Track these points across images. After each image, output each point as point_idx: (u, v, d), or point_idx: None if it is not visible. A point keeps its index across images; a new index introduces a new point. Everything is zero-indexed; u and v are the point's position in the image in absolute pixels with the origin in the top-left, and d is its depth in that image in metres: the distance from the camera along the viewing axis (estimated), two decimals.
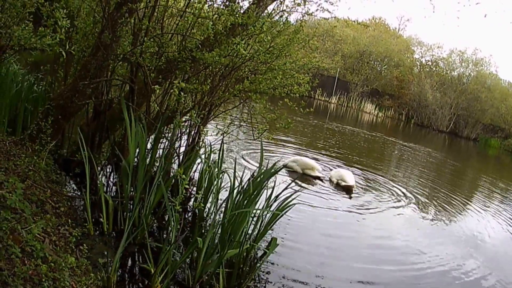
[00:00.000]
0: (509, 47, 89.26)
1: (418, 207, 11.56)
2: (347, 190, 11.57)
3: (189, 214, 7.32)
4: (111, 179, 7.51)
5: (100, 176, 6.96)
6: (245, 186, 5.88)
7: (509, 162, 36.29)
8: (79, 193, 6.52)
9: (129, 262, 5.32)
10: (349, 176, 11.94)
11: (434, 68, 51.00)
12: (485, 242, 10.01)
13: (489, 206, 14.12)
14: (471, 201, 14.34)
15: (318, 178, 12.05)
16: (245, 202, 5.72)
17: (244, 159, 11.27)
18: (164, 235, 6.12)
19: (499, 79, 51.38)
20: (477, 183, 20.10)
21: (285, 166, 7.00)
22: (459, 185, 18.04)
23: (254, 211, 5.95)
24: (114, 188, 7.16)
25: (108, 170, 7.71)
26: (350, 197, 10.93)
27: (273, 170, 6.26)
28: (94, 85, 6.56)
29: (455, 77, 49.60)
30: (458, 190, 15.76)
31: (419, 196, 12.83)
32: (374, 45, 48.65)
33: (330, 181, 12.10)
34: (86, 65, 6.41)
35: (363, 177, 13.65)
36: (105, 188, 6.82)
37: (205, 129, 7.65)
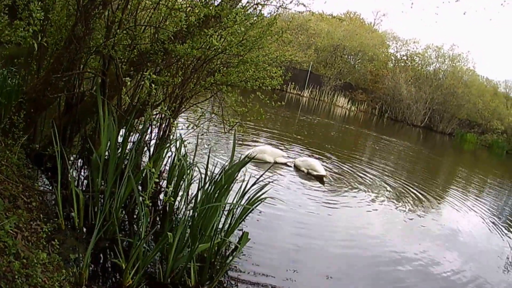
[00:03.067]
0: (488, 44, 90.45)
1: (393, 200, 11.72)
2: (319, 179, 11.75)
3: (160, 208, 7.34)
4: (82, 173, 7.50)
5: (71, 170, 6.94)
6: (216, 179, 5.90)
7: (486, 157, 36.77)
8: (50, 188, 6.51)
9: (101, 258, 5.34)
10: (319, 166, 12.15)
11: (409, 63, 51.49)
12: (462, 236, 10.18)
13: (466, 200, 14.39)
14: (447, 195, 14.61)
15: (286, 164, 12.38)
16: (216, 195, 5.76)
17: (215, 152, 11.29)
18: (135, 230, 6.14)
19: (477, 75, 52.13)
20: (454, 176, 20.44)
21: (252, 157, 7.08)
22: (435, 178, 18.28)
23: (225, 205, 6.04)
24: (85, 182, 7.16)
25: (79, 163, 7.72)
26: (323, 189, 11.03)
27: (243, 162, 6.28)
28: (67, 78, 6.59)
29: (430, 72, 50.22)
30: (433, 184, 16.06)
31: (393, 188, 13.04)
32: (349, 39, 48.95)
33: (297, 169, 12.29)
34: (59, 58, 6.44)
35: (336, 168, 13.80)
36: (76, 182, 6.81)
37: (176, 122, 7.74)
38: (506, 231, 11.47)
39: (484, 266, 8.54)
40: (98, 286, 4.70)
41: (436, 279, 7.41)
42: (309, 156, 14.26)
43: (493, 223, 12.06)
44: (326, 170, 12.52)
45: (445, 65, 50.51)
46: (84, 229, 5.75)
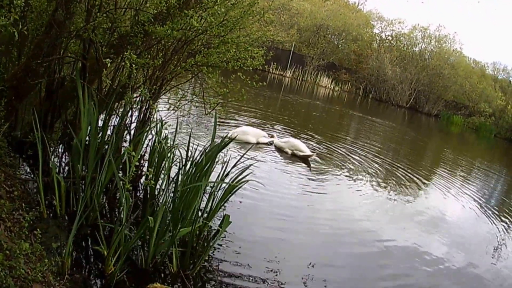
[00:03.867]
0: (475, 25, 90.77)
1: (378, 183, 11.80)
2: (304, 160, 11.90)
3: (142, 192, 7.35)
4: (64, 159, 7.49)
5: (53, 156, 6.96)
6: (196, 161, 5.90)
7: (473, 140, 36.93)
8: (32, 176, 6.49)
9: (83, 245, 5.35)
10: (303, 146, 12.27)
11: (394, 43, 51.57)
12: (450, 222, 10.30)
13: (453, 183, 14.51)
14: (434, 178, 14.73)
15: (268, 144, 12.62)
16: (197, 177, 5.76)
17: (197, 134, 11.29)
18: (117, 215, 6.19)
19: (464, 56, 52.38)
20: (440, 159, 20.59)
21: (233, 138, 7.12)
22: (421, 161, 18.47)
23: (206, 186, 6.07)
24: (67, 168, 7.13)
25: (60, 150, 7.71)
26: (306, 171, 11.13)
27: (224, 143, 6.23)
28: (47, 63, 6.59)
29: (416, 52, 50.36)
30: (420, 166, 16.22)
31: (379, 171, 13.16)
32: (332, 19, 48.89)
33: (280, 151, 12.39)
34: (40, 44, 6.43)
35: (320, 149, 13.88)
36: (58, 169, 6.83)
37: (156, 105, 7.77)
38: (494, 216, 11.58)
39: (472, 253, 8.60)
40: (80, 275, 4.70)
41: (423, 266, 7.45)
42: (293, 136, 14.30)
43: (481, 207, 12.18)
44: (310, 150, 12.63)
45: (431, 46, 50.73)
46: (66, 217, 5.74)
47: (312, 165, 11.93)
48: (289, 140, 12.72)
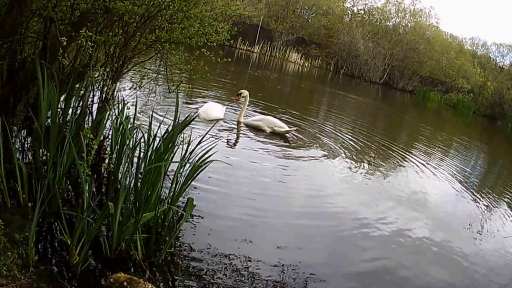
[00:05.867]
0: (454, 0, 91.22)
1: (354, 160, 11.95)
2: (281, 135, 12.21)
3: (105, 176, 7.32)
4: (26, 144, 7.34)
5: (15, 141, 6.89)
6: (158, 142, 5.89)
7: (451, 117, 37.31)
8: None
9: (48, 235, 5.30)
10: (280, 122, 12.49)
11: (367, 18, 51.80)
12: (429, 201, 10.41)
13: (430, 161, 14.75)
14: (411, 156, 14.91)
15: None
16: (159, 159, 5.72)
17: (160, 113, 11.20)
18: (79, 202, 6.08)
19: (440, 31, 52.98)
20: (417, 136, 20.78)
21: (195, 116, 7.05)
22: (397, 137, 18.78)
23: (168, 166, 6.03)
24: (30, 154, 7.02)
25: (23, 134, 7.59)
26: (277, 150, 11.15)
27: (185, 122, 6.18)
28: (8, 44, 6.54)
29: (390, 27, 50.68)
30: (396, 143, 16.48)
31: (354, 148, 13.35)
32: None
33: (256, 129, 12.50)
34: (1, 24, 6.36)
35: (292, 125, 13.75)
36: (20, 155, 6.80)
37: (116, 84, 7.75)
38: (474, 195, 11.74)
39: (453, 232, 8.77)
40: (45, 267, 4.65)
41: (403, 246, 7.53)
42: (264, 114, 14.32)
43: (461, 185, 12.42)
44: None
45: (405, 20, 51.09)
46: (30, 205, 5.66)
47: (286, 142, 12.05)
48: (264, 118, 12.83)
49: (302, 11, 51.74)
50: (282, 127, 12.48)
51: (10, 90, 7.18)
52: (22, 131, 7.65)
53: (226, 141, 10.83)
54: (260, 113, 14.48)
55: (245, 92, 13.02)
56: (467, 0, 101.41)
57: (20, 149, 7.12)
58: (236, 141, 11.35)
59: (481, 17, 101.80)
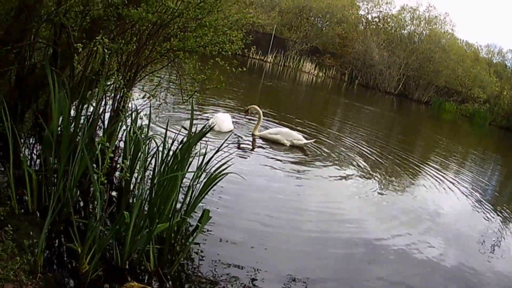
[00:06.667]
0: (468, 6, 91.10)
1: (368, 174, 11.83)
2: (300, 147, 12.31)
3: (117, 185, 7.32)
4: (35, 151, 7.40)
5: (23, 148, 6.90)
6: (174, 152, 5.88)
7: (467, 128, 37.09)
8: (2, 169, 6.40)
9: (57, 242, 5.31)
10: (298, 134, 12.55)
11: (381, 25, 51.70)
12: (443, 216, 10.23)
13: (446, 175, 14.51)
14: (426, 168, 14.78)
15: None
16: (174, 169, 5.71)
17: (174, 123, 11.27)
18: (91, 210, 6.12)
19: (456, 38, 52.61)
20: (432, 149, 20.60)
21: (211, 128, 7.03)
22: (412, 151, 18.53)
23: (183, 178, 6.04)
24: (38, 161, 7.02)
25: (32, 141, 7.66)
26: (290, 162, 11.12)
27: (201, 133, 6.23)
28: (17, 50, 6.56)
29: (405, 35, 50.52)
30: (411, 156, 16.26)
31: (368, 161, 13.21)
32: (315, 0, 48.91)
33: (274, 142, 12.46)
34: (9, 29, 6.42)
35: (310, 138, 13.70)
36: (29, 162, 6.79)
37: (131, 92, 7.75)
38: (489, 211, 11.56)
39: (467, 251, 8.56)
40: (54, 273, 4.66)
41: (414, 266, 7.39)
42: (280, 125, 14.31)
43: (476, 200, 12.22)
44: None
45: (420, 28, 50.96)
46: (38, 213, 5.69)
47: (303, 154, 12.05)
48: (281, 131, 12.78)
49: (316, 19, 51.75)
50: (300, 139, 12.51)
51: (19, 97, 7.21)
52: (31, 138, 7.70)
53: (240, 153, 10.80)
54: (275, 124, 14.52)
55: (255, 108, 13.03)
56: (482, 5, 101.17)
57: (29, 156, 7.14)
58: (251, 153, 11.31)
59: (496, 23, 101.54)
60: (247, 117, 14.10)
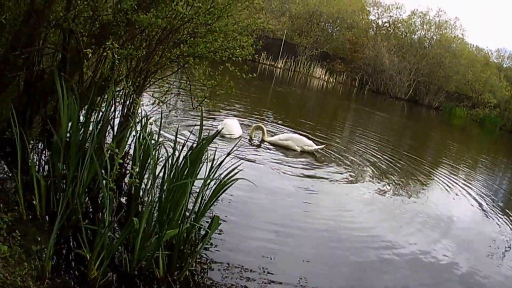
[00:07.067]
0: (478, 10, 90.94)
1: (378, 181, 11.80)
2: (311, 153, 12.31)
3: (126, 192, 7.33)
4: (44, 157, 7.41)
5: (32, 154, 6.84)
6: (183, 158, 5.85)
7: (477, 133, 36.99)
8: (10, 174, 6.42)
9: (65, 248, 5.29)
10: (308, 140, 12.57)
11: (391, 31, 51.65)
12: (454, 222, 10.17)
13: (456, 180, 14.45)
14: (437, 174, 14.77)
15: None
16: (184, 176, 5.70)
17: (184, 129, 11.27)
18: (100, 217, 6.09)
19: (466, 43, 52.47)
20: (443, 154, 20.53)
21: (219, 132, 7.04)
22: (423, 156, 18.48)
23: (193, 184, 5.95)
24: (47, 166, 7.05)
25: (40, 147, 7.65)
26: (301, 168, 11.12)
27: (210, 138, 6.18)
28: (26, 55, 6.56)
29: (415, 40, 50.44)
30: (422, 162, 16.24)
31: (379, 167, 13.16)
32: (325, 5, 48.99)
33: (285, 148, 12.46)
34: (18, 34, 6.42)
35: (320, 144, 13.72)
36: (37, 167, 6.78)
37: (140, 98, 7.74)
38: (500, 216, 11.49)
39: (478, 257, 8.51)
40: (61, 279, 4.66)
41: (425, 272, 7.36)
42: (290, 131, 14.36)
43: (486, 206, 12.12)
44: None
45: (431, 33, 50.88)
46: (47, 218, 5.69)
47: (313, 159, 12.04)
48: (292, 137, 12.80)
49: (326, 24, 51.73)
50: (311, 145, 12.54)
51: (27, 102, 7.21)
52: (39, 144, 7.69)
53: (250, 159, 10.74)
54: (286, 129, 14.49)
55: (254, 128, 13.05)
56: (492, 10, 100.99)
57: (37, 161, 7.14)
58: (260, 159, 11.23)
59: (506, 28, 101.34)
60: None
